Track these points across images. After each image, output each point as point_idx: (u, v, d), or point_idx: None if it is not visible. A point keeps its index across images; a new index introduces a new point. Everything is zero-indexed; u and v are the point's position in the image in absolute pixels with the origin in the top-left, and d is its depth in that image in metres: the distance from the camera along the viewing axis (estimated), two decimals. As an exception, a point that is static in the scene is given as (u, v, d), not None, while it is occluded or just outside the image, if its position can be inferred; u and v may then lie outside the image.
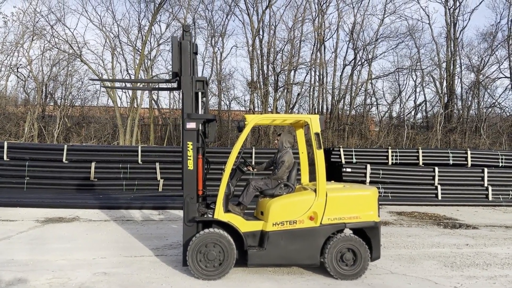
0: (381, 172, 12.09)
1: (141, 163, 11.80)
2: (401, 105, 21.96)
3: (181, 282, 4.56)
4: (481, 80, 20.60)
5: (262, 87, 19.20)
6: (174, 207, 9.89)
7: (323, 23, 20.52)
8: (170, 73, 5.51)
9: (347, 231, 4.89)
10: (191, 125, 4.90)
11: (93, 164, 11.49)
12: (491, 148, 17.40)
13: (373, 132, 20.74)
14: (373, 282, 4.69)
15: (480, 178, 12.30)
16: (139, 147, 12.08)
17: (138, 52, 18.80)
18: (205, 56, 21.43)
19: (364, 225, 4.83)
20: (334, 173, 12.08)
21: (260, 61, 19.93)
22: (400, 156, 12.56)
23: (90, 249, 5.90)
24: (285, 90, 19.59)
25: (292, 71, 19.65)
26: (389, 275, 4.99)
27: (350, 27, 20.87)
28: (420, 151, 12.58)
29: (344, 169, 11.99)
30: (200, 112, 5.10)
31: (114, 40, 19.01)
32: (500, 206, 11.84)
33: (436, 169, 12.17)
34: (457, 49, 20.70)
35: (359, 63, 20.77)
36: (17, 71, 19.20)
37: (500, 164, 12.64)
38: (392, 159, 12.48)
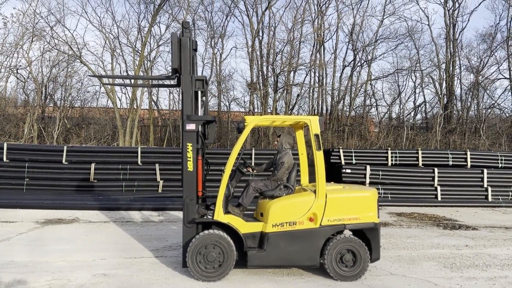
0: (380, 173, 12.09)
1: (140, 164, 11.80)
2: (401, 106, 21.99)
3: (180, 284, 4.55)
4: (480, 81, 20.62)
5: (261, 88, 19.21)
6: (173, 208, 9.89)
7: (322, 24, 20.55)
8: (170, 74, 5.51)
9: (347, 232, 4.89)
10: (190, 126, 4.90)
11: (92, 165, 11.48)
12: (491, 149, 17.42)
13: (373, 133, 20.74)
14: (373, 283, 4.69)
15: (480, 179, 12.31)
16: (139, 148, 12.08)
17: (138, 53, 18.81)
18: (204, 57, 21.49)
19: (363, 226, 4.83)
20: (334, 174, 12.08)
21: (259, 62, 19.97)
22: (399, 157, 12.57)
23: (90, 251, 5.90)
24: (285, 91, 19.61)
25: (292, 72, 19.69)
26: (388, 276, 4.99)
27: (350, 28, 20.94)
28: (420, 152, 12.59)
29: (344, 170, 12.00)
30: (199, 111, 5.10)
31: (113, 41, 19.03)
32: (500, 207, 11.84)
33: (436, 170, 12.17)
34: (457, 50, 20.74)
35: (359, 64, 20.82)
36: (17, 72, 19.21)
37: (500, 165, 12.66)
38: (391, 160, 12.49)
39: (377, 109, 22.68)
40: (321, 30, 20.23)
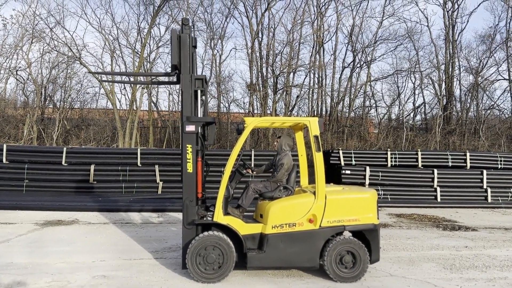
0: (380, 174, 12.10)
1: (140, 165, 11.79)
2: (400, 107, 21.99)
3: (180, 285, 4.55)
4: (479, 82, 20.64)
5: (261, 89, 19.23)
6: (173, 209, 9.88)
7: (322, 26, 20.58)
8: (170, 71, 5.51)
9: (347, 234, 4.89)
10: (190, 128, 4.91)
11: (92, 167, 11.48)
12: (490, 150, 17.44)
13: (372, 134, 20.76)
14: (373, 285, 4.69)
15: (479, 180, 12.31)
16: (139, 150, 12.08)
17: (137, 55, 18.83)
18: (204, 58, 21.49)
19: (363, 228, 4.83)
20: (333, 175, 12.08)
21: (259, 64, 19.97)
22: (399, 158, 12.57)
23: (89, 252, 5.89)
24: (284, 93, 19.62)
25: (291, 74, 19.70)
26: (388, 278, 4.99)
27: (349, 30, 20.95)
28: (419, 153, 12.60)
29: (343, 171, 12.00)
30: (199, 111, 5.10)
31: (113, 42, 19.06)
32: (499, 208, 11.84)
33: (435, 171, 12.18)
34: (456, 51, 20.76)
35: (358, 65, 20.84)
36: (16, 73, 19.22)
37: (499, 166, 12.67)
38: (391, 161, 12.49)
39: (376, 110, 22.71)
40: (321, 32, 20.26)
